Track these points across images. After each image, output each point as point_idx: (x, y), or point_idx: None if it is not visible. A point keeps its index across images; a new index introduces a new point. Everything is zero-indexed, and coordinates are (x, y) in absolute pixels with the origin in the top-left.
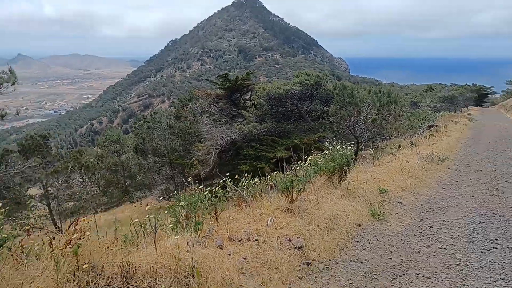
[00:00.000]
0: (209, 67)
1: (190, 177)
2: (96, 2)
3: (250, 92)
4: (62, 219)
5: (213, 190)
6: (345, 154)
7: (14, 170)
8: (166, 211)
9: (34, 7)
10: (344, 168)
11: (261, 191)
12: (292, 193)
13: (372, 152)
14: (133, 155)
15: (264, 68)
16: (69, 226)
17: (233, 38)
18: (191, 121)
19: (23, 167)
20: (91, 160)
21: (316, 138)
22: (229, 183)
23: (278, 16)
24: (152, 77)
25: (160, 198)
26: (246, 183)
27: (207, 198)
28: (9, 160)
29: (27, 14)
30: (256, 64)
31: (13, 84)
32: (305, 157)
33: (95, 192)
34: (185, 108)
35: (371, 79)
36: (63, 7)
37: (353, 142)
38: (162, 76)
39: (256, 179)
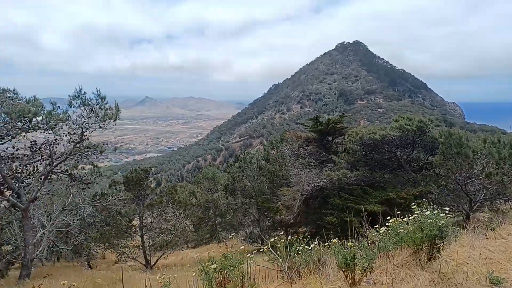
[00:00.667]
0: (308, 110)
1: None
2: (211, 51)
3: (343, 136)
4: (152, 251)
5: (262, 250)
6: (438, 222)
7: (115, 200)
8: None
9: (162, 56)
10: (437, 241)
11: (318, 260)
12: (354, 272)
13: (489, 216)
14: (223, 194)
15: (365, 112)
16: (157, 260)
17: (334, 82)
18: (280, 163)
19: (117, 198)
20: (183, 196)
21: (417, 193)
22: (270, 247)
23: (382, 59)
24: (254, 118)
25: (244, 241)
26: (300, 247)
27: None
28: (114, 191)
29: (156, 62)
30: (357, 108)
31: (115, 120)
32: (398, 212)
33: (186, 228)
34: (275, 150)
35: (492, 127)
36: (184, 56)
37: (462, 202)
38: (263, 118)
39: (315, 243)
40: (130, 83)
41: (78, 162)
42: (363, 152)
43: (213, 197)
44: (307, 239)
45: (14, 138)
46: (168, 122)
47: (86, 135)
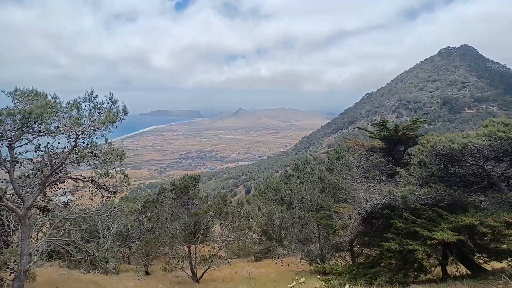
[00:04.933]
0: (406, 120)
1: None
2: (301, 63)
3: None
4: (198, 263)
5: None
6: None
7: (163, 206)
8: None
9: (253, 70)
10: None
11: None
12: None
13: None
14: (277, 206)
15: (474, 122)
16: (204, 273)
17: (437, 89)
18: (344, 175)
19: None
20: (230, 208)
21: (511, 220)
22: None
23: (497, 63)
24: (344, 129)
25: (301, 260)
26: None
27: None
28: (164, 197)
29: (248, 76)
30: (464, 117)
31: (113, 123)
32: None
33: (231, 241)
34: (340, 160)
35: None
36: (274, 69)
37: None
38: (354, 128)
39: None
40: (225, 96)
41: (103, 168)
42: (439, 165)
43: (270, 209)
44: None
45: (30, 141)
46: (258, 132)
47: (80, 140)
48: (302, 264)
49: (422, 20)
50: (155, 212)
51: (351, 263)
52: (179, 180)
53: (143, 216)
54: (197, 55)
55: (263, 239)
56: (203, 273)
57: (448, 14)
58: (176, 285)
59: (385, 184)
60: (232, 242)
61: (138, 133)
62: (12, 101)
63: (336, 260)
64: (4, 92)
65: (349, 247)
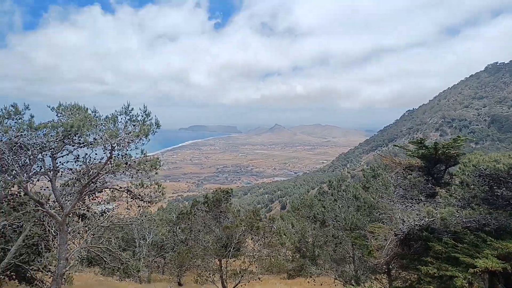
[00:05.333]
0: (449, 138)
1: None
2: (337, 80)
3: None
4: (229, 277)
5: None
6: None
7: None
8: None
9: (289, 88)
10: None
11: None
12: None
13: None
14: (310, 223)
15: None
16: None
17: (484, 107)
18: (380, 194)
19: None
20: (262, 223)
21: None
22: None
23: None
24: (384, 146)
25: (335, 280)
26: None
27: None
28: (197, 209)
29: (284, 93)
30: None
31: (146, 136)
32: None
33: (262, 256)
34: (376, 178)
35: None
36: (310, 86)
37: None
38: (394, 146)
39: None
40: (261, 112)
41: (138, 179)
42: (483, 186)
43: (302, 226)
44: None
45: (71, 152)
46: (294, 148)
47: (116, 151)
48: (336, 285)
49: (464, 36)
50: (188, 224)
51: (387, 287)
52: (211, 193)
53: (177, 227)
54: (234, 73)
55: (297, 256)
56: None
57: (494, 28)
58: None
59: (423, 204)
60: (264, 257)
61: (177, 147)
62: (57, 115)
63: (371, 282)
64: (49, 106)
65: (386, 270)
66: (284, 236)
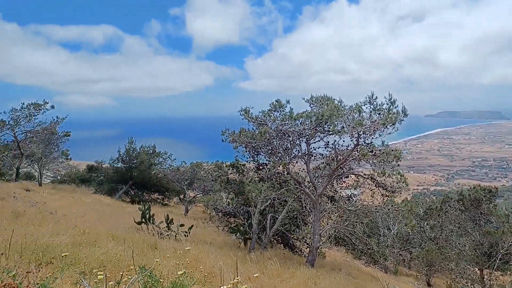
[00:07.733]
0: None
1: None
2: None
3: None
4: None
5: None
6: None
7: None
8: None
9: None
10: None
11: None
12: None
13: None
14: None
15: None
16: None
17: None
18: None
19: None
20: None
21: None
22: None
23: None
24: None
25: None
26: None
27: None
28: (449, 207)
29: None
30: None
31: (393, 124)
32: None
33: None
34: None
35: None
36: None
37: None
38: None
39: None
40: None
41: (380, 167)
42: None
43: None
44: None
45: (322, 139)
46: None
47: (361, 139)
48: None
49: None
50: (439, 221)
51: None
52: (468, 190)
53: (425, 223)
54: (496, 46)
55: None
56: None
57: None
58: None
59: None
60: None
61: (422, 135)
62: (309, 106)
63: None
64: (304, 98)
65: None
66: None
